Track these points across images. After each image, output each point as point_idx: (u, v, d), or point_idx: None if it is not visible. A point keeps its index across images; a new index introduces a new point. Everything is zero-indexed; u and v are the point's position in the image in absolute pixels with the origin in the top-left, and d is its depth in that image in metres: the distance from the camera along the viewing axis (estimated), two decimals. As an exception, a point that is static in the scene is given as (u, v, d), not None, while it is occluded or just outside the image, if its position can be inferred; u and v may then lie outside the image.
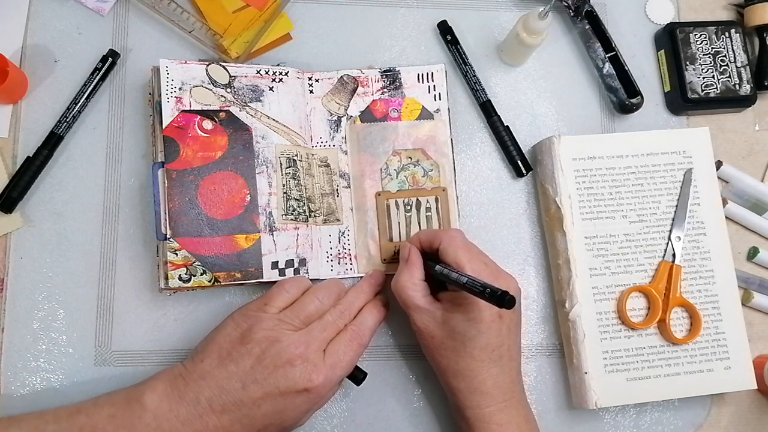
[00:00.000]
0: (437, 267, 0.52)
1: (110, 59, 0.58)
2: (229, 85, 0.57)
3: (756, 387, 0.58)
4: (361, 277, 0.58)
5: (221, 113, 0.56)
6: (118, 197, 0.58)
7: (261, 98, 0.58)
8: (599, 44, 0.64)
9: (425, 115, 0.61)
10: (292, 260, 0.56)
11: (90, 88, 0.58)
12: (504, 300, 0.43)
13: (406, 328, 0.59)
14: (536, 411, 0.55)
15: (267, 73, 0.59)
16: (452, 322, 0.50)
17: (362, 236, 0.59)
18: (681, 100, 0.65)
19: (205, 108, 0.56)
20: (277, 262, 0.55)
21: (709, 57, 0.65)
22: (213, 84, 0.57)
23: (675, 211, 0.60)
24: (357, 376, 0.53)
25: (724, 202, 0.63)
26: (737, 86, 0.65)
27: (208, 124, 0.56)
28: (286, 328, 0.48)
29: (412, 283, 0.52)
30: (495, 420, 0.49)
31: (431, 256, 0.54)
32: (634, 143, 0.61)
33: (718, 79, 0.65)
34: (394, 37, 0.64)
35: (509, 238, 0.62)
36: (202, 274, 0.53)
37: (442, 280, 0.52)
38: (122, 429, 0.44)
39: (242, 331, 0.48)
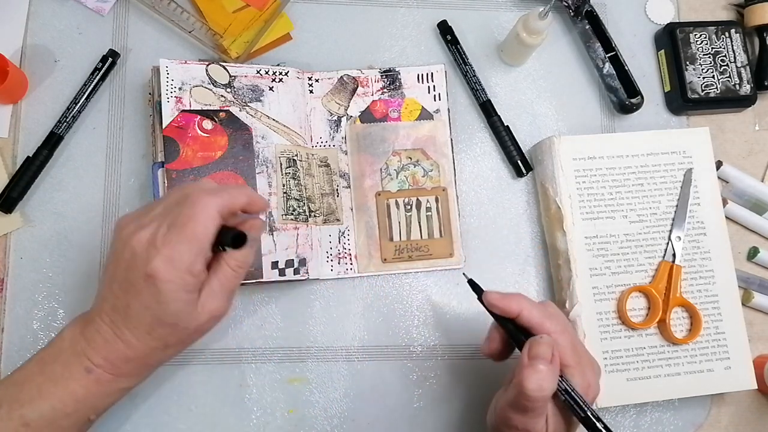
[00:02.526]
0: (568, 388, 0.44)
1: (110, 59, 0.58)
2: (229, 85, 0.57)
3: (756, 387, 0.58)
4: (361, 277, 0.58)
5: (221, 113, 0.56)
6: (118, 197, 0.58)
7: (261, 98, 0.58)
8: (599, 44, 0.64)
9: (425, 115, 0.61)
10: (292, 260, 0.56)
11: (90, 88, 0.58)
12: None
13: (405, 328, 0.59)
14: (536, 411, 0.55)
15: (267, 73, 0.59)
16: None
17: (362, 236, 0.59)
18: (681, 100, 0.65)
19: (205, 108, 0.56)
20: (277, 262, 0.55)
21: (709, 57, 0.65)
22: (213, 84, 0.57)
23: (675, 211, 0.60)
24: (226, 239, 0.43)
25: (724, 202, 0.63)
26: (737, 86, 0.65)
27: (208, 124, 0.56)
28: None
29: (552, 388, 0.43)
30: None
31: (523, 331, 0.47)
32: (634, 143, 0.61)
33: (718, 79, 0.65)
34: (394, 37, 0.64)
35: (509, 238, 0.62)
36: (202, 274, 0.53)
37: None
38: (48, 366, 0.43)
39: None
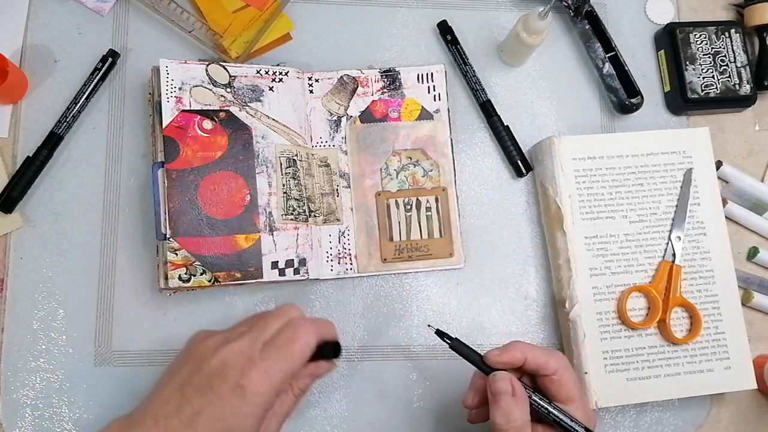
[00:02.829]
0: (553, 411, 0.45)
1: (110, 59, 0.58)
2: (229, 85, 0.57)
3: (756, 387, 0.58)
4: (361, 277, 0.58)
5: (221, 113, 0.56)
6: (118, 197, 0.58)
7: (261, 98, 0.58)
8: (599, 44, 0.64)
9: (425, 115, 0.61)
10: (292, 260, 0.56)
11: (90, 88, 0.58)
12: None
13: (405, 328, 0.59)
14: (536, 411, 0.56)
15: (267, 73, 0.59)
16: None
17: (362, 236, 0.59)
18: (681, 100, 0.65)
19: (205, 108, 0.56)
20: (277, 261, 0.55)
21: (709, 57, 0.65)
22: (213, 84, 0.57)
23: (675, 211, 0.60)
24: (326, 350, 0.47)
25: (724, 202, 0.63)
26: (737, 86, 0.65)
27: (208, 124, 0.56)
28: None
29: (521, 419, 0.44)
30: None
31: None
32: (634, 143, 0.61)
33: (718, 79, 0.65)
34: (394, 37, 0.64)
35: (509, 238, 0.62)
36: (201, 274, 0.53)
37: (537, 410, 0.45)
38: None
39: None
